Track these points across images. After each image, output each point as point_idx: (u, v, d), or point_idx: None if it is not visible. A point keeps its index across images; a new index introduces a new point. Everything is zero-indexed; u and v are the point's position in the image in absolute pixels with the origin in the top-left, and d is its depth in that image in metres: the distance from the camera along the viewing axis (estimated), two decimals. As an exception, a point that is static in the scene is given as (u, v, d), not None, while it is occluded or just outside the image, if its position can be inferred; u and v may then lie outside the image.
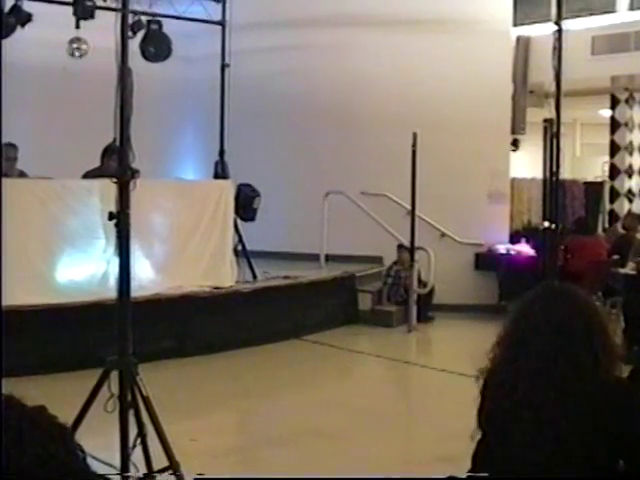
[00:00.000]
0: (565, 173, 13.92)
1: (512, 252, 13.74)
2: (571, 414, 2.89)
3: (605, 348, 3.01)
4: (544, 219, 9.89)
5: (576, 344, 2.98)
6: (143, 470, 5.05)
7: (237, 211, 11.50)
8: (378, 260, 13.77)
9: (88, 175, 10.17)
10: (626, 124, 15.09)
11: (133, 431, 5.05)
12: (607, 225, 15.39)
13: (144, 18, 11.35)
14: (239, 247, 11.69)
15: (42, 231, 9.41)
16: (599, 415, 2.88)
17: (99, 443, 5.32)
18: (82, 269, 9.62)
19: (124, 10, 5.21)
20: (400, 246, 12.73)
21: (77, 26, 10.59)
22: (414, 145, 11.90)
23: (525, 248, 13.71)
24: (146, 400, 5.08)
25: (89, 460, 1.41)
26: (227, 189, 11.29)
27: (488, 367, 3.16)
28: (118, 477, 5.04)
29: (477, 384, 3.20)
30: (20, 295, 8.78)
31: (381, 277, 13.15)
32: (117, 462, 5.13)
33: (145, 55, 11.34)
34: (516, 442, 2.95)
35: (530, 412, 2.94)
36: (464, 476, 3.15)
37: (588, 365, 2.96)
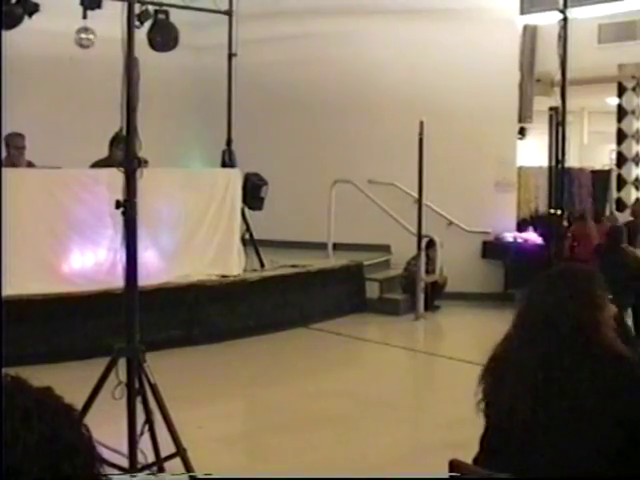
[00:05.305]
0: (573, 161, 13.92)
1: (519, 240, 13.74)
2: (569, 392, 2.91)
3: (598, 325, 3.02)
4: (551, 207, 9.91)
5: (565, 325, 2.99)
6: (151, 457, 5.10)
7: (244, 200, 11.51)
8: (386, 249, 13.78)
9: (96, 165, 10.20)
10: (633, 112, 15.09)
11: (141, 418, 5.09)
12: (611, 213, 15.37)
13: (151, 8, 11.36)
14: (247, 236, 11.71)
15: (50, 220, 9.45)
16: (600, 390, 2.88)
17: (107, 430, 5.34)
18: (90, 258, 9.67)
19: (130, 0, 5.24)
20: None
21: (84, 16, 10.63)
22: (421, 133, 11.90)
23: (532, 236, 13.71)
24: (153, 387, 5.13)
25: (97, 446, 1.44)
26: (234, 178, 11.31)
27: (492, 352, 3.21)
28: (126, 464, 5.10)
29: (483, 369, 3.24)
30: (29, 284, 8.84)
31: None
32: (125, 449, 5.18)
33: (152, 45, 11.36)
34: (517, 425, 2.98)
35: (528, 394, 2.97)
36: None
37: (580, 342, 2.98)
